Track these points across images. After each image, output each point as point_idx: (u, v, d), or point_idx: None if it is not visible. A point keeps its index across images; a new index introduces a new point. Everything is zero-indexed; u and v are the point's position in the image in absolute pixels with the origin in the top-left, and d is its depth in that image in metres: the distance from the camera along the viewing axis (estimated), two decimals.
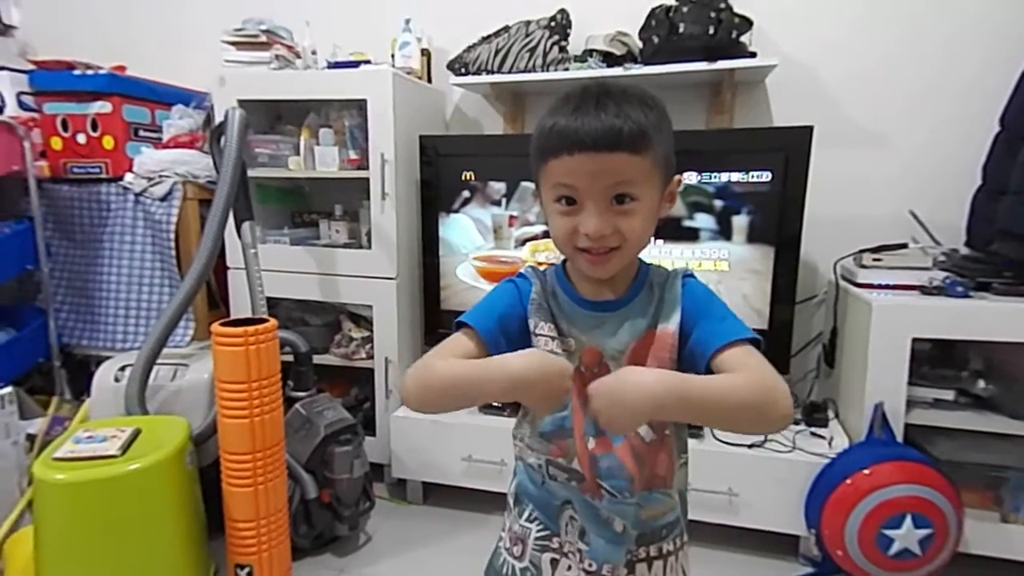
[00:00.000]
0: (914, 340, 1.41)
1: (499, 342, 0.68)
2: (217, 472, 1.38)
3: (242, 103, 1.83)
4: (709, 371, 0.64)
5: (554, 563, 0.72)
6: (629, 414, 0.57)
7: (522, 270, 0.76)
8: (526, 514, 0.75)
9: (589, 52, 1.78)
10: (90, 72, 1.91)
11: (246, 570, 1.37)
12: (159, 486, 1.26)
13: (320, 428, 1.53)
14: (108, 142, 1.93)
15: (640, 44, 1.75)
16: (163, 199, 1.86)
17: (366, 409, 1.97)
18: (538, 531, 0.74)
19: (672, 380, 0.57)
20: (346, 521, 1.56)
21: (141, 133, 1.99)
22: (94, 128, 1.92)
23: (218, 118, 1.87)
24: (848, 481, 1.37)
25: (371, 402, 1.94)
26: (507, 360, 0.60)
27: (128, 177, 1.89)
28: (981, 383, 1.47)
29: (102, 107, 1.91)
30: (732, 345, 0.63)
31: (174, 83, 2.12)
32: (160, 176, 1.87)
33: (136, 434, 1.34)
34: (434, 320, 1.93)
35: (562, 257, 0.74)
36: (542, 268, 0.76)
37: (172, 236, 1.86)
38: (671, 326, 0.68)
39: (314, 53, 1.97)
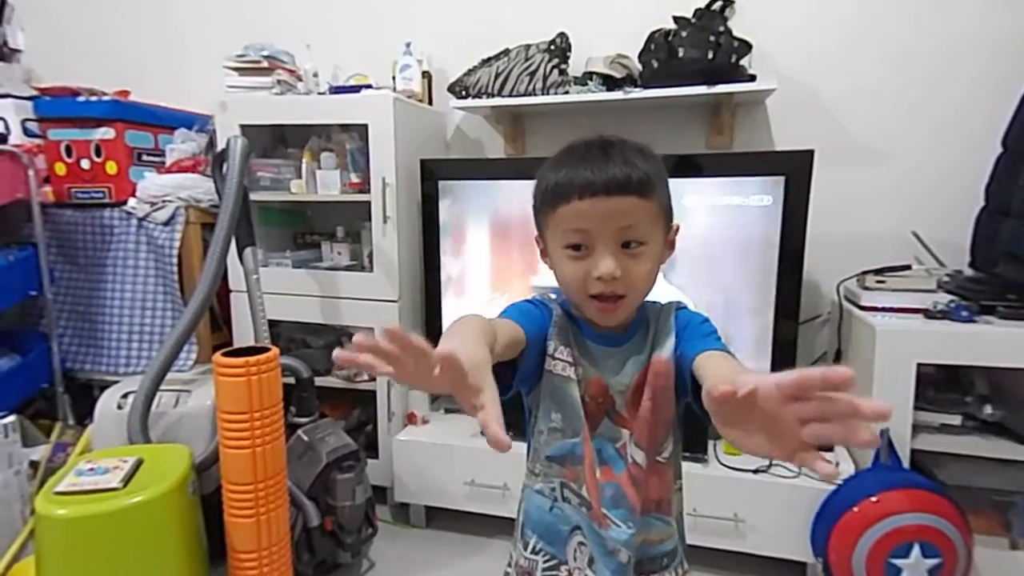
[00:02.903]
0: (919, 365, 1.40)
1: (533, 344, 0.68)
2: (220, 498, 1.37)
3: (244, 128, 1.85)
4: (692, 377, 0.65)
5: None
6: None
7: (538, 296, 0.76)
8: (531, 546, 0.75)
9: (589, 75, 1.78)
10: (94, 98, 1.93)
11: None
12: (161, 518, 1.25)
13: (322, 455, 1.52)
14: (111, 167, 1.94)
15: (640, 67, 1.75)
16: (166, 223, 1.87)
17: (368, 431, 1.96)
18: (545, 562, 0.74)
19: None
20: (348, 548, 1.55)
21: (144, 158, 2.01)
22: (98, 153, 1.93)
23: (220, 142, 1.89)
24: (855, 508, 1.36)
25: (373, 424, 1.93)
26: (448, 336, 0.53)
27: (131, 202, 1.91)
28: (987, 408, 1.46)
29: (105, 133, 1.92)
30: (716, 351, 0.64)
31: (177, 106, 2.14)
32: (163, 201, 1.88)
33: (138, 464, 1.33)
34: (436, 343, 1.92)
35: None
36: (553, 298, 0.77)
37: (175, 260, 1.87)
38: (665, 353, 0.70)
39: (316, 75, 1.99)
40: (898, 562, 1.32)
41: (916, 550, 1.31)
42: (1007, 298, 1.47)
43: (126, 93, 2.07)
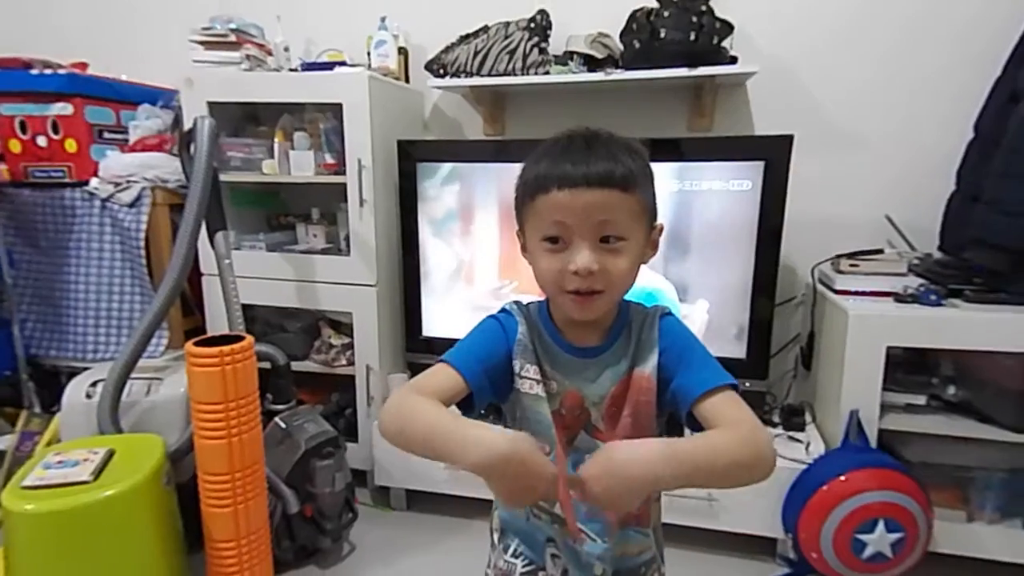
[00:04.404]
0: (888, 348, 1.44)
1: (483, 386, 0.67)
2: (197, 486, 1.35)
3: (212, 105, 1.78)
4: (691, 418, 0.64)
5: None
6: (631, 494, 0.55)
7: (506, 306, 0.75)
8: (511, 549, 0.76)
9: (570, 54, 1.75)
10: (48, 71, 1.82)
11: None
12: (135, 511, 1.23)
13: (301, 443, 1.51)
14: (71, 145, 1.85)
15: (621, 47, 1.72)
16: (131, 205, 1.80)
17: (348, 415, 1.95)
18: (524, 566, 0.74)
19: (663, 448, 0.56)
20: (329, 534, 1.55)
21: (106, 135, 1.91)
22: (55, 130, 1.84)
23: (187, 120, 1.81)
24: (825, 487, 1.40)
25: (353, 408, 1.92)
26: (490, 437, 0.55)
27: (93, 182, 1.82)
28: (951, 389, 1.51)
29: (63, 108, 1.82)
30: (714, 392, 0.63)
31: (139, 81, 2.04)
32: (127, 181, 1.81)
33: (109, 456, 1.30)
34: (415, 327, 1.91)
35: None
36: (526, 304, 0.75)
37: (142, 244, 1.80)
38: (647, 369, 0.68)
39: (287, 50, 1.91)
40: (863, 537, 1.38)
41: (880, 526, 1.37)
42: (974, 282, 1.50)
43: (84, 66, 1.96)
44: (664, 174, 1.61)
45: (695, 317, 1.65)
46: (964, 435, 1.45)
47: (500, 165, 1.72)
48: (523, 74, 1.73)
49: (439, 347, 1.82)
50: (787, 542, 1.53)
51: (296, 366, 1.79)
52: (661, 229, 0.70)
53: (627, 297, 0.71)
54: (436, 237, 1.83)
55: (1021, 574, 1.47)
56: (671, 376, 0.67)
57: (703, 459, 0.57)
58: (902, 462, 1.45)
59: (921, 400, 1.53)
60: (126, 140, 1.93)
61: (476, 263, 1.82)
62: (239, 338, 1.33)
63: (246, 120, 2.01)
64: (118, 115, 1.95)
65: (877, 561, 1.39)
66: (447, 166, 1.78)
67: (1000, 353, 1.40)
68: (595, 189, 0.61)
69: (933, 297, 1.46)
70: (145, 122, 1.94)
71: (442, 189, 1.79)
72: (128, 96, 1.97)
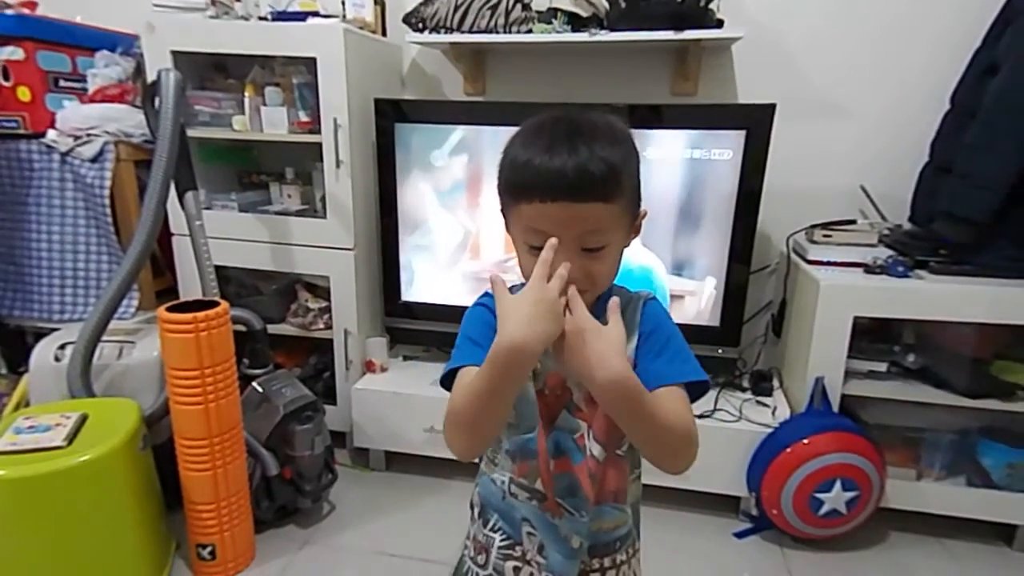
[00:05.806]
0: (855, 318, 1.49)
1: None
2: (174, 447, 1.35)
3: (176, 55, 1.69)
4: None
5: (517, 570, 0.75)
6: (572, 374, 0.63)
7: (489, 290, 0.74)
8: (490, 524, 0.77)
9: (554, 12, 1.68)
10: None
11: (208, 548, 1.38)
12: (111, 476, 1.22)
13: (279, 407, 1.51)
14: (23, 93, 1.73)
15: (607, 5, 1.67)
16: (94, 160, 1.71)
17: (326, 378, 1.95)
18: (501, 540, 0.76)
19: (633, 378, 0.59)
20: (308, 495, 1.58)
21: (62, 83, 1.80)
22: (5, 76, 1.72)
23: (149, 69, 1.72)
24: (788, 450, 1.47)
25: (331, 371, 1.92)
26: (509, 342, 0.58)
27: (51, 134, 1.72)
28: (911, 356, 1.58)
29: (13, 53, 1.70)
30: (673, 386, 0.66)
31: (95, 24, 1.90)
32: (88, 134, 1.71)
33: (83, 420, 1.29)
34: (394, 291, 1.89)
35: None
36: (510, 287, 0.75)
37: (107, 201, 1.72)
38: (627, 352, 0.69)
39: None
40: (821, 496, 1.46)
41: (838, 485, 1.45)
42: (939, 253, 1.55)
43: (33, 5, 1.82)
44: (646, 142, 1.59)
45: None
46: (919, 400, 1.53)
47: (486, 128, 1.67)
48: (505, 31, 1.67)
49: (420, 312, 1.85)
50: (750, 500, 1.62)
51: (272, 328, 1.77)
52: (645, 214, 0.69)
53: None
54: (415, 200, 1.80)
55: (962, 526, 1.59)
56: (643, 359, 0.68)
57: (647, 404, 0.60)
58: (860, 424, 1.53)
59: (882, 367, 1.59)
60: (84, 89, 1.82)
61: (464, 230, 1.80)
62: (213, 303, 1.31)
63: (213, 70, 1.91)
64: (74, 61, 1.83)
65: (832, 517, 1.48)
66: (441, 134, 1.72)
67: (959, 323, 1.46)
68: (578, 203, 0.61)
69: (900, 269, 1.51)
70: (104, 70, 1.82)
71: (428, 154, 1.75)
72: (84, 41, 1.85)
